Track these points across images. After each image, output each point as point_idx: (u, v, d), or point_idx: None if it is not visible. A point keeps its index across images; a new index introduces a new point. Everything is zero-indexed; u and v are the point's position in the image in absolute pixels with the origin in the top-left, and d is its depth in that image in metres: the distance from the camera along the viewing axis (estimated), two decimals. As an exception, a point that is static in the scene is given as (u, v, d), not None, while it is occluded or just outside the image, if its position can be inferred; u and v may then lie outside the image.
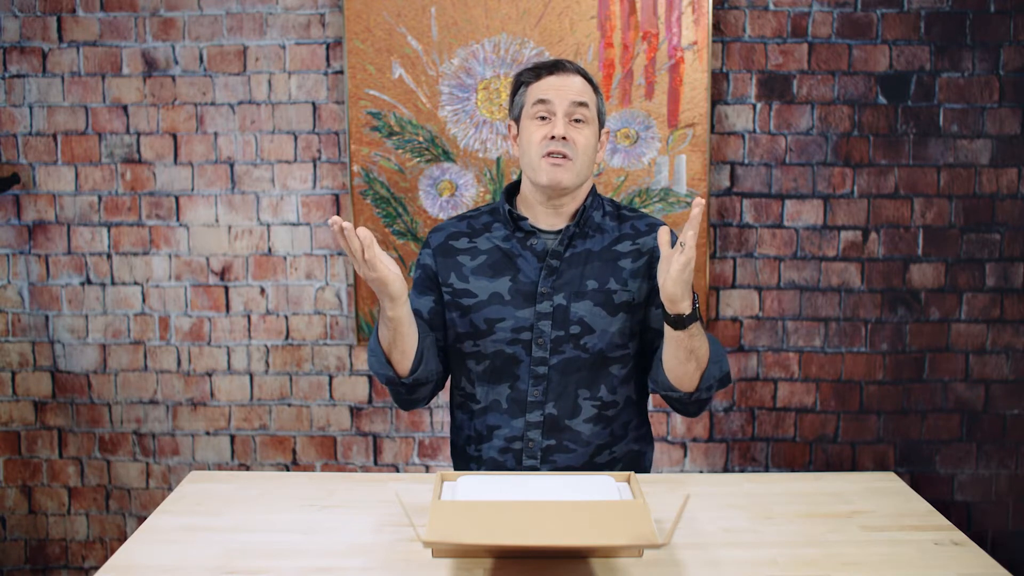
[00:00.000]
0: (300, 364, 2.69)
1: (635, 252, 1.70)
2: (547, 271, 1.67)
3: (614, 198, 2.54)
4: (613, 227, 1.72)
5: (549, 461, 1.69)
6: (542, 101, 1.64)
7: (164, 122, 2.62)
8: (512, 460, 1.70)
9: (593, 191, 1.74)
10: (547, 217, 1.70)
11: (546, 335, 1.66)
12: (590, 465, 1.71)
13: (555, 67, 1.66)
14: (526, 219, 1.70)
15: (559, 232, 1.70)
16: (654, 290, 1.68)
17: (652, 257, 1.70)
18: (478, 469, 1.76)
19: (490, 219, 1.75)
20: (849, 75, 2.56)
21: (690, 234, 1.39)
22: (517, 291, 1.67)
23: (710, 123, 2.52)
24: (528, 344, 1.67)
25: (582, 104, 1.63)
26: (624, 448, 1.74)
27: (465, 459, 1.79)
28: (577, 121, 1.64)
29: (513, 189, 1.77)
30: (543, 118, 1.64)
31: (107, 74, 2.61)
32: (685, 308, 1.47)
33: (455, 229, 1.76)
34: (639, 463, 1.80)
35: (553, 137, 1.62)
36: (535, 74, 1.67)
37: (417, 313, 1.70)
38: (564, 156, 1.63)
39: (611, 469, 1.73)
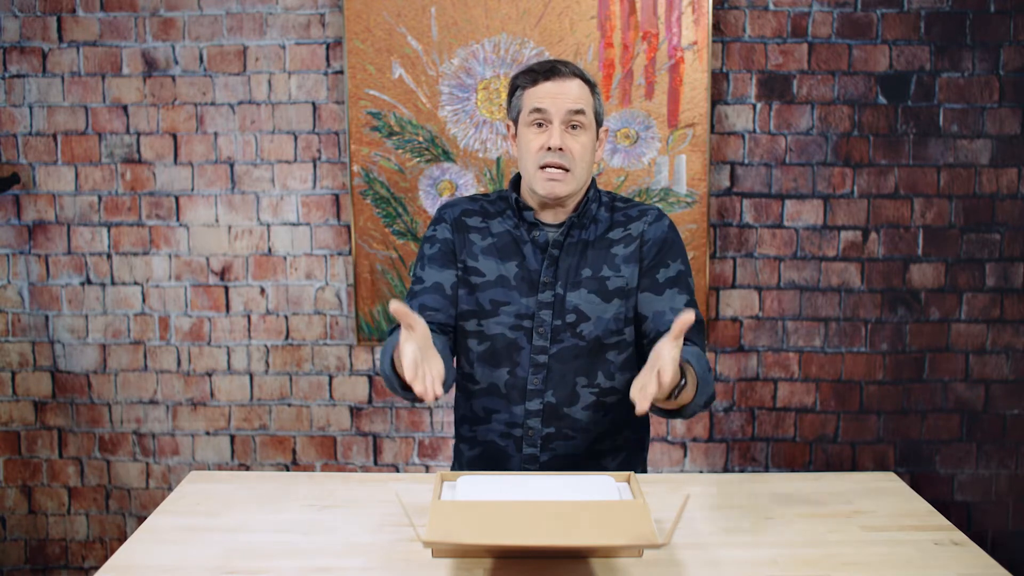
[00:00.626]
0: (300, 364, 2.69)
1: (627, 237, 1.71)
2: (548, 261, 1.68)
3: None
4: (606, 217, 1.74)
5: (549, 449, 1.70)
6: (538, 110, 1.64)
7: (164, 122, 2.62)
8: (513, 446, 1.72)
9: (593, 184, 1.74)
10: (549, 213, 1.72)
11: (546, 324, 1.67)
12: (591, 452, 1.71)
13: (552, 72, 1.65)
14: (531, 211, 1.71)
15: (559, 224, 1.71)
16: (644, 275, 1.69)
17: (642, 241, 1.70)
18: (475, 450, 1.76)
19: (503, 205, 1.76)
20: (849, 75, 2.56)
21: (651, 389, 1.30)
22: (522, 278, 1.69)
23: (710, 123, 2.52)
24: (529, 332, 1.68)
25: (579, 112, 1.63)
26: (625, 436, 1.75)
27: (467, 440, 1.80)
28: (574, 127, 1.64)
29: (519, 179, 1.77)
30: (540, 125, 1.64)
31: (107, 74, 2.61)
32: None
33: (468, 207, 1.77)
34: (639, 452, 1.81)
35: (550, 148, 1.62)
36: (531, 79, 1.66)
37: (439, 287, 1.70)
38: (561, 168, 1.63)
39: (612, 456, 1.73)
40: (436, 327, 1.67)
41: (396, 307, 1.31)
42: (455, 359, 1.78)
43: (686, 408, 1.54)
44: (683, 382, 1.46)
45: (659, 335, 1.66)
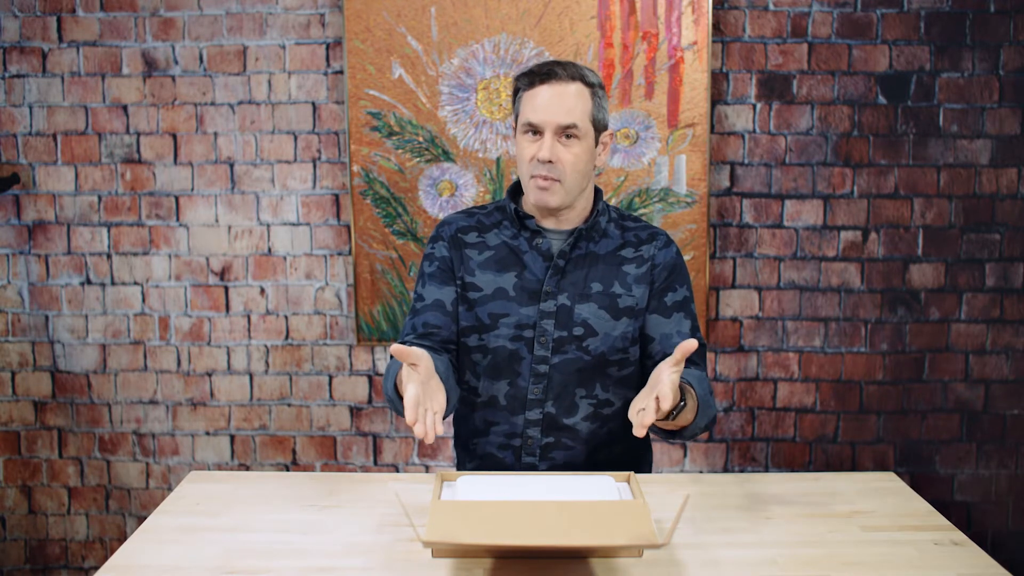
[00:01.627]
0: (300, 364, 2.69)
1: (638, 258, 1.71)
2: (553, 270, 1.67)
3: (614, 198, 2.55)
4: (617, 234, 1.73)
5: (548, 458, 1.70)
6: (530, 123, 1.62)
7: (164, 122, 2.62)
8: (511, 456, 1.71)
9: (599, 195, 1.73)
10: (551, 221, 1.70)
11: (548, 334, 1.66)
12: (589, 463, 1.71)
13: (549, 75, 1.61)
14: (532, 218, 1.70)
15: (564, 232, 1.70)
16: (652, 297, 1.70)
17: (653, 264, 1.71)
18: (474, 462, 1.76)
19: (500, 216, 1.75)
20: (849, 75, 2.56)
21: (648, 418, 1.32)
22: (522, 288, 1.68)
23: (710, 123, 2.52)
24: (530, 342, 1.67)
25: (570, 126, 1.60)
26: (623, 448, 1.75)
27: (467, 452, 1.81)
28: (568, 136, 1.61)
29: (519, 187, 1.76)
30: (534, 133, 1.63)
31: (107, 74, 2.61)
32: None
33: (464, 223, 1.76)
34: (639, 466, 1.80)
35: (540, 160, 1.61)
36: (529, 81, 1.63)
37: (440, 305, 1.70)
38: (551, 179, 1.61)
39: (611, 468, 1.73)
40: (439, 344, 1.68)
41: (396, 349, 1.33)
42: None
43: (686, 430, 1.55)
44: (682, 404, 1.46)
45: (665, 357, 1.65)
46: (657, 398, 1.32)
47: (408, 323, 1.72)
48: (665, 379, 1.34)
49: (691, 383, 1.53)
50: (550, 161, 1.60)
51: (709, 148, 2.53)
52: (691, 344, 1.31)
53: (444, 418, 1.51)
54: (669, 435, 1.57)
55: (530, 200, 1.66)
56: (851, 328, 2.63)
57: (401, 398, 1.52)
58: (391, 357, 1.70)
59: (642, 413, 1.34)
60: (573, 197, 1.66)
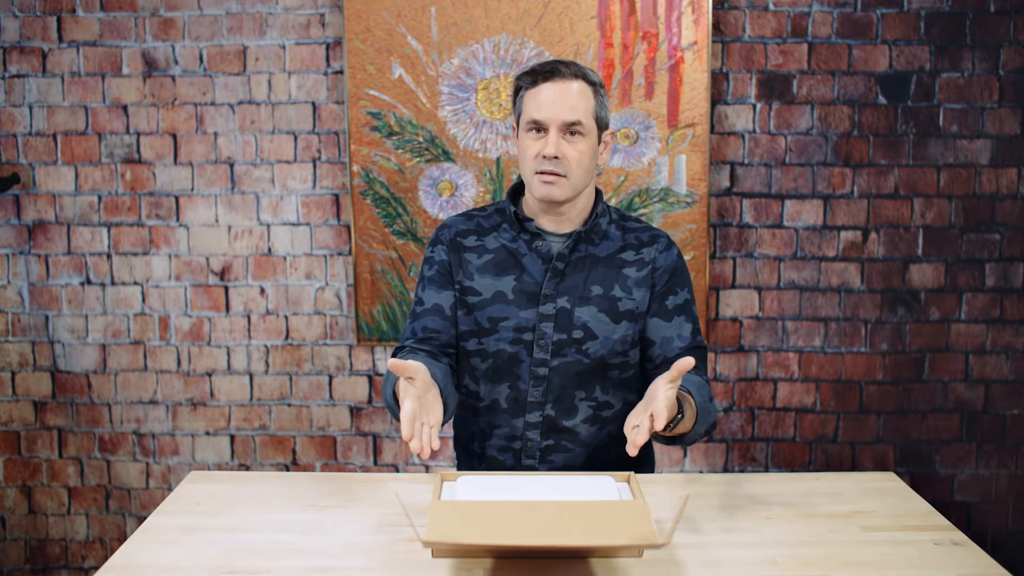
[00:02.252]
0: (300, 364, 2.69)
1: (639, 261, 1.70)
2: (552, 273, 1.67)
3: (614, 198, 2.55)
4: (617, 236, 1.72)
5: (547, 460, 1.70)
6: (535, 121, 1.62)
7: (164, 122, 2.62)
8: (511, 459, 1.71)
9: (600, 197, 1.74)
10: (551, 222, 1.70)
11: (548, 337, 1.66)
12: (588, 465, 1.71)
13: (552, 73, 1.62)
14: (532, 220, 1.70)
15: (563, 235, 1.70)
16: (653, 300, 1.70)
17: (654, 267, 1.71)
18: (480, 466, 1.76)
19: (499, 219, 1.75)
20: (849, 75, 2.56)
21: (641, 438, 1.33)
22: (521, 291, 1.67)
23: (710, 123, 2.52)
24: (530, 345, 1.67)
25: (575, 123, 1.61)
26: (622, 450, 1.74)
27: (469, 455, 1.80)
28: (572, 133, 1.62)
29: (518, 189, 1.77)
30: (538, 131, 1.63)
31: (107, 74, 2.61)
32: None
33: (464, 227, 1.76)
34: (639, 469, 1.79)
35: (545, 156, 1.61)
36: (532, 80, 1.64)
37: (439, 309, 1.70)
38: (556, 174, 1.62)
39: (610, 470, 1.72)
40: (438, 348, 1.68)
41: (392, 364, 1.34)
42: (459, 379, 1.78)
43: (685, 437, 1.55)
44: (679, 416, 1.46)
45: (666, 360, 1.66)
46: (651, 416, 1.32)
47: (408, 327, 1.72)
48: (661, 396, 1.33)
49: (690, 391, 1.53)
50: (556, 157, 1.61)
51: (709, 148, 2.53)
52: (688, 362, 1.31)
53: (443, 425, 1.52)
54: (668, 441, 1.57)
55: (535, 194, 1.65)
56: (851, 328, 2.63)
57: (400, 405, 1.53)
58: (394, 353, 1.70)
59: (635, 430, 1.34)
60: (577, 192, 1.66)
